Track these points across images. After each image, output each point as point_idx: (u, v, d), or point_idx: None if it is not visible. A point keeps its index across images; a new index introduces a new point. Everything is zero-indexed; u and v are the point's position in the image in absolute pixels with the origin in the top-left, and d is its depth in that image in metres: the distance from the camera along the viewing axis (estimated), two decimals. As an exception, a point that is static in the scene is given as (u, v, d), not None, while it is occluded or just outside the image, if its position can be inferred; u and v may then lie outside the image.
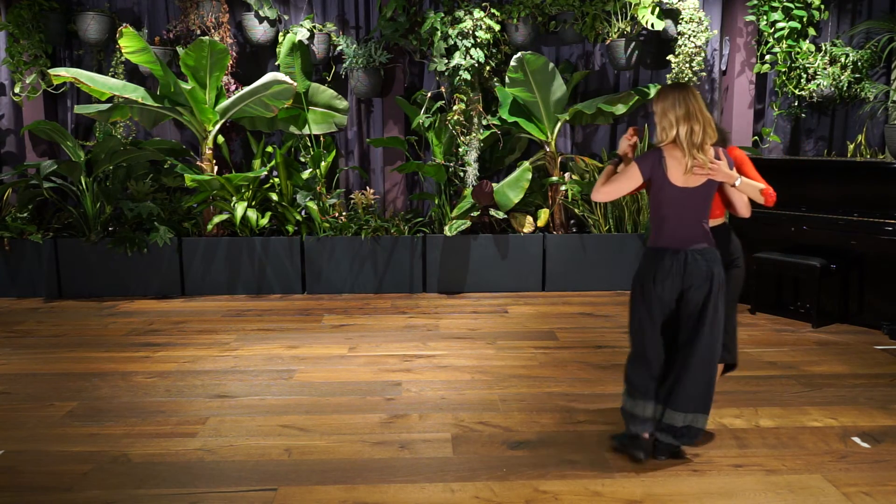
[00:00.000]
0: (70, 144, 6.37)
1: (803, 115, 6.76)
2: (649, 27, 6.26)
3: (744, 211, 3.33)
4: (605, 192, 3.17)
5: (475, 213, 6.33)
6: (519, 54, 5.91)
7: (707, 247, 3.12)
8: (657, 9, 6.22)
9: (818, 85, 6.37)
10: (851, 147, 6.48)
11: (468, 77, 6.17)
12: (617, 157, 3.24)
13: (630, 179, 3.13)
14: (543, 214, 6.53)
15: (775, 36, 6.35)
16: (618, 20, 6.42)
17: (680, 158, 3.04)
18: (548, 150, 6.55)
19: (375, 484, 3.00)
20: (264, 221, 6.27)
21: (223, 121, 6.23)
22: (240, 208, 6.15)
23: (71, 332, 5.23)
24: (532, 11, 6.41)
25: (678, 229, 3.13)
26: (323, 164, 6.59)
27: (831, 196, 5.26)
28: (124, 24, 5.78)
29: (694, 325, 3.09)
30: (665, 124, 3.05)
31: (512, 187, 6.29)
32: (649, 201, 3.16)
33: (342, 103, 6.60)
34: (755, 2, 6.35)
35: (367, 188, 6.66)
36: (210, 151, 6.32)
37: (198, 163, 6.43)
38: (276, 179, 6.45)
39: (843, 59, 6.38)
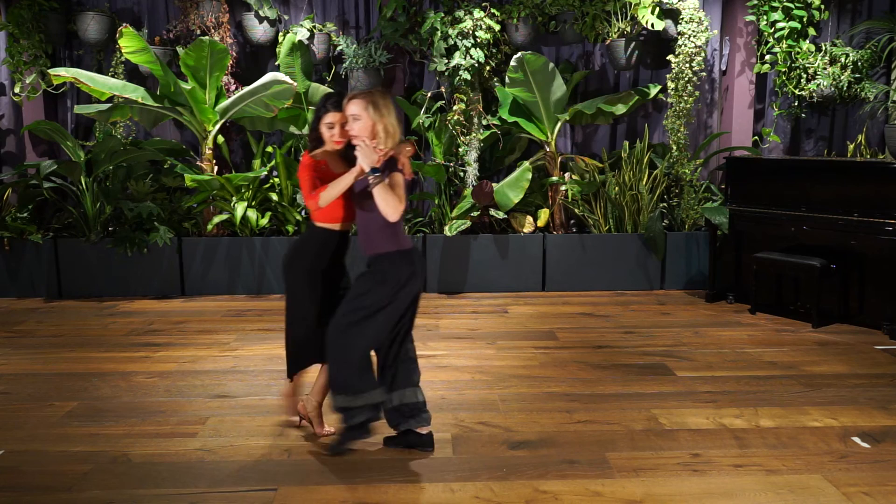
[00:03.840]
0: (70, 144, 6.37)
1: (803, 115, 6.76)
2: (649, 27, 6.26)
3: None
4: (401, 209, 3.05)
5: (475, 213, 6.33)
6: (519, 54, 5.91)
7: None
8: (657, 9, 6.23)
9: (818, 85, 6.37)
10: (851, 147, 6.48)
11: (468, 77, 6.17)
12: (379, 170, 3.02)
13: (404, 188, 3.12)
14: (543, 214, 6.53)
15: (775, 36, 6.35)
16: (618, 20, 6.42)
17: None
18: (548, 150, 6.55)
19: (375, 484, 3.00)
20: (264, 221, 6.26)
21: (223, 121, 6.23)
22: (240, 208, 6.15)
23: (71, 332, 5.23)
24: (532, 11, 6.41)
25: (404, 227, 3.27)
26: (323, 164, 6.58)
27: (831, 196, 5.26)
28: (124, 24, 5.78)
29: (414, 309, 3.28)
30: (393, 129, 3.13)
31: (512, 187, 6.29)
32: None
33: (342, 103, 6.58)
34: (755, 2, 6.35)
35: (367, 188, 6.65)
36: (210, 151, 6.32)
37: (198, 163, 6.44)
38: (276, 179, 6.45)
39: (843, 59, 6.39)
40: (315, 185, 3.15)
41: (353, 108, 3.08)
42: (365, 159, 3.01)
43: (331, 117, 3.21)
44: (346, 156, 3.26)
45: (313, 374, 3.47)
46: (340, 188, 3.10)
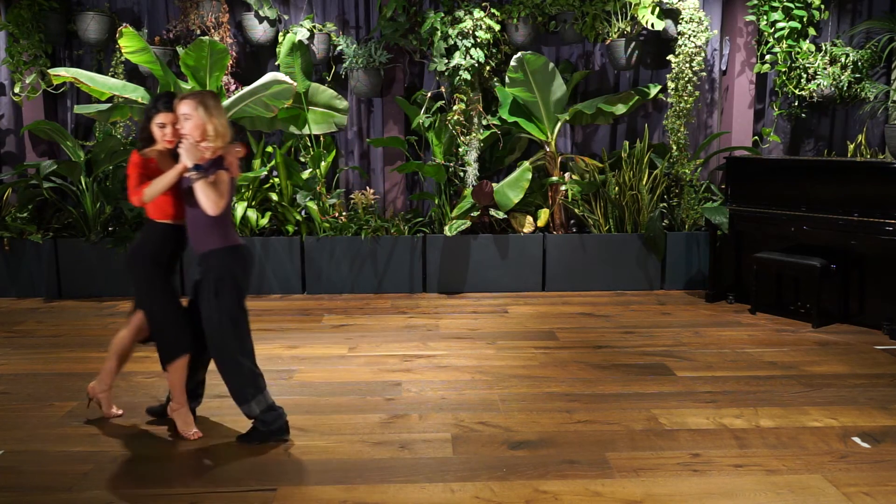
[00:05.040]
0: (70, 144, 6.37)
1: (803, 115, 6.76)
2: (649, 27, 6.26)
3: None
4: (222, 206, 3.18)
5: (475, 213, 6.33)
6: (519, 54, 5.91)
7: None
8: (657, 9, 6.22)
9: (818, 85, 6.37)
10: (851, 147, 6.48)
11: (468, 77, 6.17)
12: (203, 167, 3.15)
13: (228, 187, 3.23)
14: (543, 214, 6.53)
15: (775, 36, 6.35)
16: (618, 20, 6.42)
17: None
18: (548, 150, 6.55)
19: (375, 484, 3.00)
20: (264, 221, 6.26)
21: (223, 121, 6.22)
22: (240, 208, 6.15)
23: (71, 332, 5.23)
24: (532, 11, 6.41)
25: (233, 224, 3.44)
26: (323, 164, 6.58)
27: (831, 196, 5.26)
28: (124, 24, 5.78)
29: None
30: (222, 129, 3.24)
31: (512, 187, 6.29)
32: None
33: (342, 103, 6.60)
34: (755, 2, 6.35)
35: (367, 188, 6.66)
36: (210, 151, 6.31)
37: (198, 163, 6.43)
38: (276, 179, 6.45)
39: (843, 59, 6.38)
40: (141, 181, 3.28)
41: (184, 108, 3.21)
42: (188, 156, 3.15)
43: (162, 117, 3.31)
44: (177, 155, 3.33)
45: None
46: (163, 184, 3.23)
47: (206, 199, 3.12)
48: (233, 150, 3.31)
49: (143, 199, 3.26)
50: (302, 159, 6.69)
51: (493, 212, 6.35)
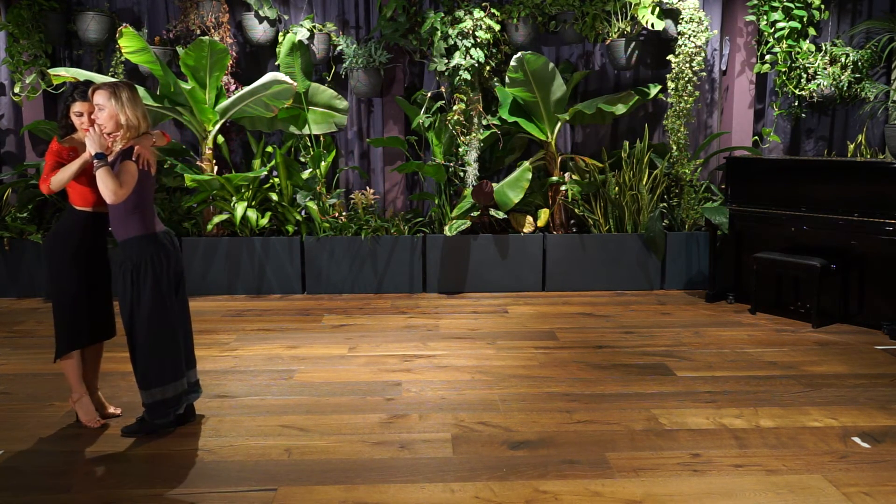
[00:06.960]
0: (70, 144, 6.36)
1: (803, 115, 6.76)
2: (649, 27, 6.26)
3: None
4: (121, 195, 3.21)
5: (475, 213, 6.33)
6: (519, 54, 5.91)
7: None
8: (657, 9, 6.22)
9: (818, 85, 6.37)
10: (851, 147, 6.48)
11: (468, 77, 6.17)
12: (103, 156, 3.20)
13: (135, 177, 3.28)
14: (543, 214, 6.53)
15: (775, 36, 6.36)
16: (618, 20, 6.42)
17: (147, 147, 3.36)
18: (548, 150, 6.55)
19: (375, 484, 3.00)
20: (264, 221, 6.26)
21: (223, 121, 6.23)
22: (240, 208, 6.15)
23: (71, 332, 5.22)
24: (532, 11, 6.41)
25: (154, 212, 3.46)
26: (323, 164, 6.58)
27: (831, 196, 5.26)
28: (124, 24, 5.78)
29: (182, 290, 3.51)
30: (135, 121, 3.29)
31: (512, 187, 6.29)
32: (134, 194, 3.28)
33: (342, 103, 6.60)
34: (755, 2, 6.35)
35: (367, 188, 6.66)
36: (210, 151, 6.32)
37: (198, 163, 6.44)
38: (276, 179, 6.45)
39: (843, 59, 6.39)
40: (54, 168, 3.34)
41: (98, 98, 3.27)
42: (91, 144, 3.19)
43: (79, 106, 3.38)
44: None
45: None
46: (69, 173, 3.30)
47: (104, 186, 3.15)
48: (147, 142, 3.34)
49: (50, 186, 3.31)
50: (302, 159, 6.69)
51: (493, 212, 6.35)
